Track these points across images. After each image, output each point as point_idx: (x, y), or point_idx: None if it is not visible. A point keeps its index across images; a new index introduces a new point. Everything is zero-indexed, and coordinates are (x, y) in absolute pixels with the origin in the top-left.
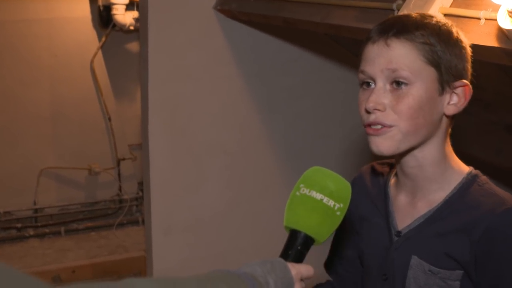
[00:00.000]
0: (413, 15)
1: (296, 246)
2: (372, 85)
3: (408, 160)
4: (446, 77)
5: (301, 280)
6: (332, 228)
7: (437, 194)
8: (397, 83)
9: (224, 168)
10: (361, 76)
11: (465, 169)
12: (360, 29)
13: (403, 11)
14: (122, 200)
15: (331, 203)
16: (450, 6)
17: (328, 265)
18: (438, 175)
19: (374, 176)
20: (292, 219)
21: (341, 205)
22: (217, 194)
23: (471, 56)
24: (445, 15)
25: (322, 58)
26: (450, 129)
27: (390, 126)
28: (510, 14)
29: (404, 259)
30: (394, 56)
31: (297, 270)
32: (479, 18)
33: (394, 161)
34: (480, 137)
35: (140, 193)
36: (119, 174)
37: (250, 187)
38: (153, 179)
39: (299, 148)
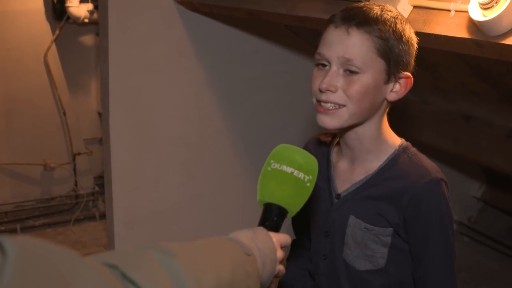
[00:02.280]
0: (375, 8)
1: (272, 217)
2: (327, 67)
3: (350, 134)
4: (393, 68)
5: (280, 247)
6: (304, 199)
7: (372, 164)
8: (350, 71)
9: (185, 160)
10: (318, 57)
11: (398, 141)
12: None
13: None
14: (78, 196)
15: (301, 175)
16: None
17: (295, 225)
18: (374, 148)
19: (318, 145)
20: (266, 192)
21: (310, 177)
22: (179, 186)
23: (417, 50)
24: (415, 7)
25: (281, 49)
26: (388, 109)
27: (341, 106)
28: (481, 6)
29: (343, 219)
30: (351, 46)
31: (277, 238)
32: (449, 10)
33: (337, 132)
34: (438, 126)
35: (97, 188)
36: (74, 169)
37: (211, 179)
38: (115, 172)
39: (259, 139)
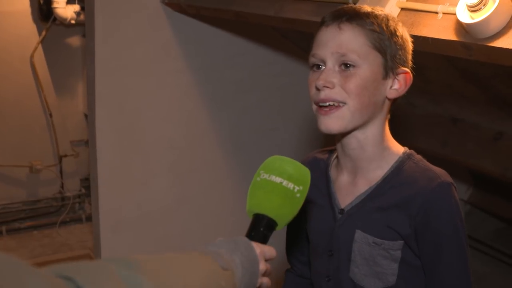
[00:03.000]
0: (365, 6)
1: (259, 228)
2: (322, 67)
3: (350, 142)
4: (390, 63)
5: (265, 260)
6: (294, 210)
7: (376, 173)
8: (345, 65)
9: (172, 163)
10: (312, 59)
11: (401, 149)
12: (315, 23)
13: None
14: (65, 198)
15: (291, 185)
16: (407, 0)
17: (289, 253)
18: (377, 155)
19: (315, 162)
20: (254, 202)
21: (301, 187)
22: (165, 189)
23: (412, 49)
24: (402, 9)
25: (269, 52)
26: (389, 113)
27: (340, 103)
28: (469, 8)
29: (348, 234)
30: (344, 40)
31: (261, 249)
32: (436, 12)
33: (334, 148)
34: (426, 129)
35: (83, 190)
36: (61, 171)
37: (197, 182)
38: (101, 175)
39: (246, 142)
